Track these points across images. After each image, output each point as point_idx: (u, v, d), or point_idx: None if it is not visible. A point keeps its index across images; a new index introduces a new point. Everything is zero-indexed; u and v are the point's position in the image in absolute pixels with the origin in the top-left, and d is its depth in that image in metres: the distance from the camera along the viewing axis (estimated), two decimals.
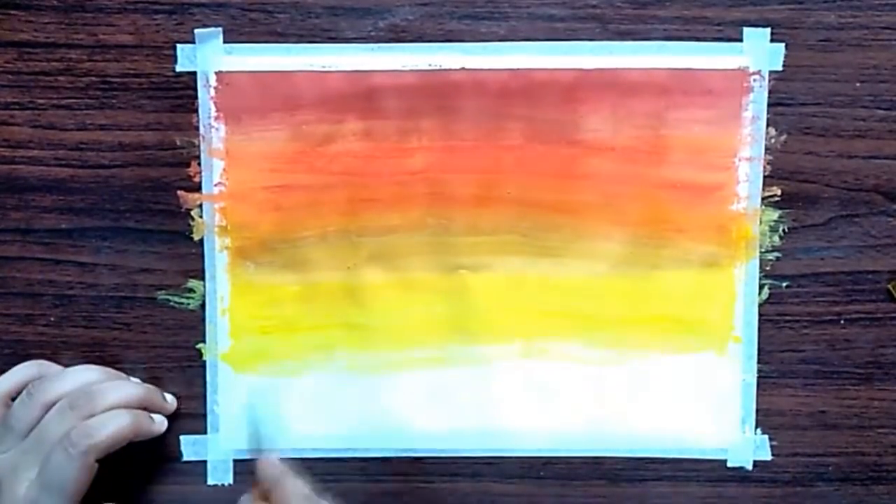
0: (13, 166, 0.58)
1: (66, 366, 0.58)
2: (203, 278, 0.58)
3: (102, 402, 0.54)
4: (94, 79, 0.57)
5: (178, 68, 0.57)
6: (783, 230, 0.58)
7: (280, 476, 0.52)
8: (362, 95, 0.57)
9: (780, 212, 0.58)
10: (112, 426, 0.53)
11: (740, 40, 0.57)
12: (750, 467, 0.59)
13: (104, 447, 0.53)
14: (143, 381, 0.59)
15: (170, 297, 0.59)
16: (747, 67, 0.57)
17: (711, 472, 0.59)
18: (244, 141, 0.57)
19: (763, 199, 0.58)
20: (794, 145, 0.58)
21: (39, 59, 0.57)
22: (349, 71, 0.57)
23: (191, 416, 0.59)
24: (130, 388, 0.56)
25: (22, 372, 0.57)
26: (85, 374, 0.56)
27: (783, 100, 0.57)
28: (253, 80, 0.57)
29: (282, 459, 0.58)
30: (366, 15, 0.57)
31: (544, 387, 0.59)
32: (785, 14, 0.57)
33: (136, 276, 0.58)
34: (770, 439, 0.59)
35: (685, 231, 0.58)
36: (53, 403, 0.53)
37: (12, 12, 0.57)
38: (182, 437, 0.59)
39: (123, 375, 0.58)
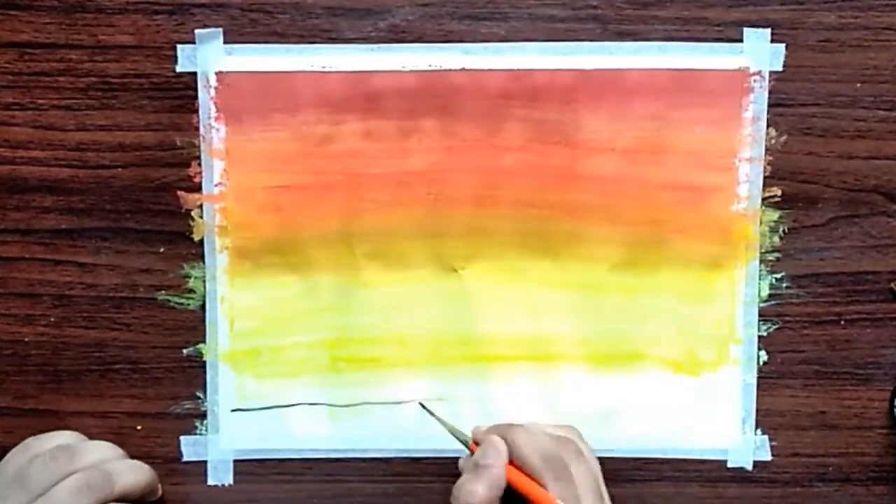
0: (14, 167, 0.58)
1: (67, 368, 0.59)
2: (203, 279, 0.58)
3: (117, 486, 0.54)
4: (94, 79, 0.57)
5: (179, 69, 0.57)
6: (783, 231, 0.58)
7: (506, 434, 0.52)
8: (362, 96, 0.57)
9: (780, 212, 0.58)
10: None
11: (740, 41, 0.56)
12: (750, 468, 0.59)
13: None
14: (143, 381, 0.59)
15: (170, 298, 0.59)
16: (747, 68, 0.57)
17: (711, 473, 0.59)
18: (244, 141, 0.57)
19: (763, 199, 0.58)
20: (794, 146, 0.58)
21: (40, 59, 0.57)
22: (349, 71, 0.57)
23: (191, 416, 0.59)
24: (141, 472, 0.56)
25: (60, 438, 0.56)
26: (104, 451, 0.56)
27: (783, 100, 0.57)
28: (253, 80, 0.57)
29: (284, 461, 0.59)
30: (366, 15, 0.57)
31: (544, 387, 0.59)
32: (785, 14, 0.57)
33: (136, 276, 0.58)
34: (770, 439, 0.59)
35: (685, 232, 0.58)
36: (68, 474, 0.53)
37: (12, 13, 0.57)
38: (182, 438, 0.59)
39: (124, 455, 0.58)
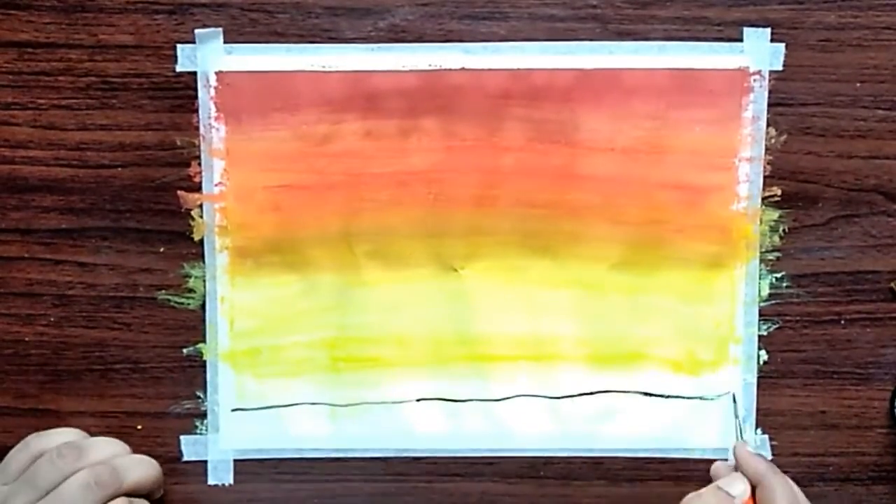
0: (14, 166, 0.58)
1: (67, 368, 0.59)
2: (203, 278, 0.58)
3: (126, 481, 0.54)
4: (94, 79, 0.57)
5: (179, 68, 0.57)
6: (783, 230, 0.58)
7: (766, 472, 0.53)
8: (362, 95, 0.57)
9: (780, 212, 0.58)
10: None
11: (740, 40, 0.56)
12: None
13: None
14: (143, 381, 0.59)
15: (170, 297, 0.59)
16: (747, 67, 0.57)
17: None
18: (244, 141, 0.57)
19: (763, 199, 0.58)
20: (794, 145, 0.58)
21: (40, 59, 0.57)
22: (349, 71, 0.57)
23: (191, 416, 0.59)
24: (149, 466, 0.56)
25: (62, 435, 0.56)
26: (110, 448, 0.56)
27: (783, 100, 0.57)
28: (253, 80, 0.57)
29: (284, 461, 0.59)
30: (366, 15, 0.57)
31: (544, 386, 0.59)
32: (785, 14, 0.57)
33: (137, 276, 0.58)
34: (770, 439, 0.59)
35: (685, 231, 0.58)
36: (75, 471, 0.53)
37: (12, 12, 0.57)
38: (182, 438, 0.59)
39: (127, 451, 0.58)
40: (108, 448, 0.56)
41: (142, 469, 0.55)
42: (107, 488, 0.53)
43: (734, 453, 0.55)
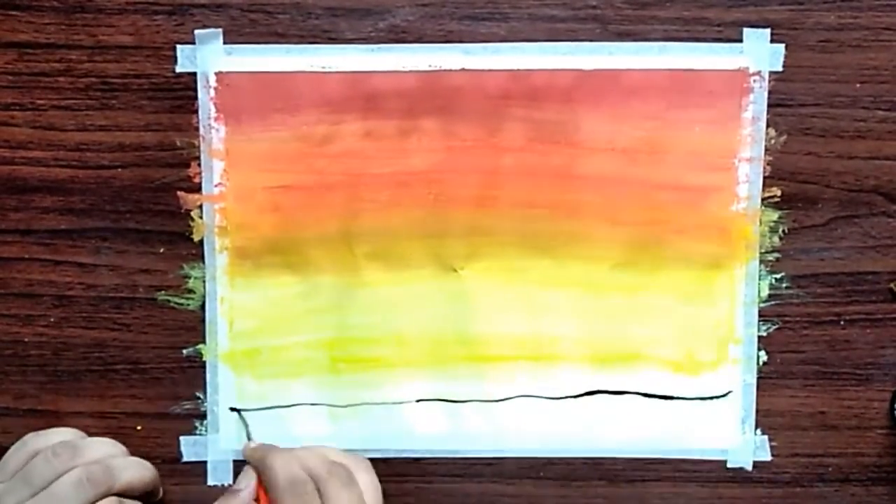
0: (13, 167, 0.58)
1: (67, 368, 0.59)
2: (203, 279, 0.58)
3: (118, 481, 0.54)
4: (94, 79, 0.57)
5: (178, 69, 0.57)
6: (783, 231, 0.58)
7: (262, 455, 0.54)
8: (362, 96, 0.57)
9: (780, 212, 0.58)
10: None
11: (740, 41, 0.56)
12: (750, 468, 0.59)
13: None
14: (143, 381, 0.59)
15: (170, 298, 0.59)
16: (747, 68, 0.57)
17: (711, 473, 0.59)
18: (244, 141, 0.57)
19: (763, 199, 0.58)
20: (794, 146, 0.58)
21: (40, 59, 0.57)
22: (349, 72, 0.57)
23: (191, 416, 0.59)
24: (143, 469, 0.56)
25: (59, 435, 0.56)
26: (106, 448, 0.56)
27: (783, 100, 0.57)
28: (253, 80, 0.57)
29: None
30: (366, 16, 0.57)
31: (544, 387, 0.59)
32: (785, 15, 0.57)
33: (136, 276, 0.58)
34: (770, 440, 0.59)
35: (685, 232, 0.58)
36: (70, 469, 0.53)
37: (12, 13, 0.57)
38: (182, 438, 0.59)
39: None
40: (103, 448, 0.56)
41: (135, 470, 0.56)
42: (98, 486, 0.53)
43: (243, 453, 0.56)
